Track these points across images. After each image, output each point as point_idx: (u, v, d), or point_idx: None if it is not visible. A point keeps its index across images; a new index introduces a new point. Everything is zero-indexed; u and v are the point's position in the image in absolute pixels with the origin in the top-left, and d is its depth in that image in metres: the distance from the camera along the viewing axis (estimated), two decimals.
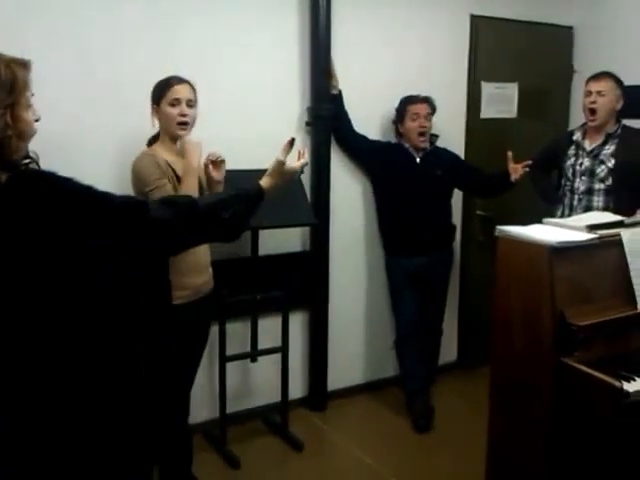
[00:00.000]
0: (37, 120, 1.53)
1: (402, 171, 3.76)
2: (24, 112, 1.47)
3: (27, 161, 1.49)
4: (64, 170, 1.51)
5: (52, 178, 1.46)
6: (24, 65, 1.48)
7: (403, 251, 3.83)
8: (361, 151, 3.85)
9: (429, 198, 3.76)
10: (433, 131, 3.82)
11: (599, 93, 3.39)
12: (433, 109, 3.76)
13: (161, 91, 2.68)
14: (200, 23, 3.29)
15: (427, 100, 3.74)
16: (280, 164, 1.91)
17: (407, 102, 3.74)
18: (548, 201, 3.74)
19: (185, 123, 2.70)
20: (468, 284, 4.41)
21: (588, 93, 3.44)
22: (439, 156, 3.83)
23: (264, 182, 1.88)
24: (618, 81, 3.43)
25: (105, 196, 1.50)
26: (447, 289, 4.04)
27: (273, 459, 3.42)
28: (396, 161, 3.79)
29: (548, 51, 4.49)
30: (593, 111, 3.40)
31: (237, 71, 3.42)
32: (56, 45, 2.92)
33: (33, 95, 1.51)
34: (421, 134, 3.70)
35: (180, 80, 2.71)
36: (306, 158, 2.05)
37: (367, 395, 4.09)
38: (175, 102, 2.67)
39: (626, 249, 2.43)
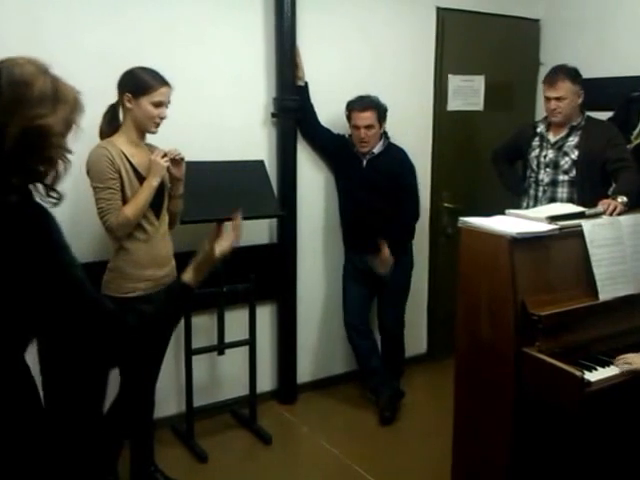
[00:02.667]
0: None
1: (350, 172, 3.74)
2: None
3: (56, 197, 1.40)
4: None
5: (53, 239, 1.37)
6: (80, 95, 1.43)
7: (353, 247, 3.84)
8: (325, 144, 3.84)
9: (376, 200, 3.64)
10: (395, 126, 3.77)
11: (558, 99, 3.37)
12: (380, 113, 3.60)
13: (146, 87, 2.66)
14: (164, 12, 3.25)
15: (371, 107, 3.56)
16: (211, 254, 1.64)
17: (352, 108, 3.61)
18: (513, 192, 3.76)
19: (160, 123, 2.73)
20: (437, 276, 4.43)
21: (547, 99, 3.42)
22: (387, 160, 3.66)
23: (191, 279, 1.60)
24: (574, 77, 3.38)
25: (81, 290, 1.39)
26: (406, 293, 3.91)
27: (241, 453, 3.41)
28: (346, 161, 3.76)
29: (515, 44, 4.51)
30: (555, 113, 3.41)
31: (202, 62, 3.38)
32: (9, 32, 2.86)
33: (78, 127, 1.45)
34: (361, 141, 3.61)
35: (166, 82, 2.70)
36: (239, 234, 1.72)
37: (337, 388, 4.09)
38: (159, 103, 2.68)
39: (587, 240, 2.46)
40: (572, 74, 3.40)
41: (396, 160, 3.69)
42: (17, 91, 1.31)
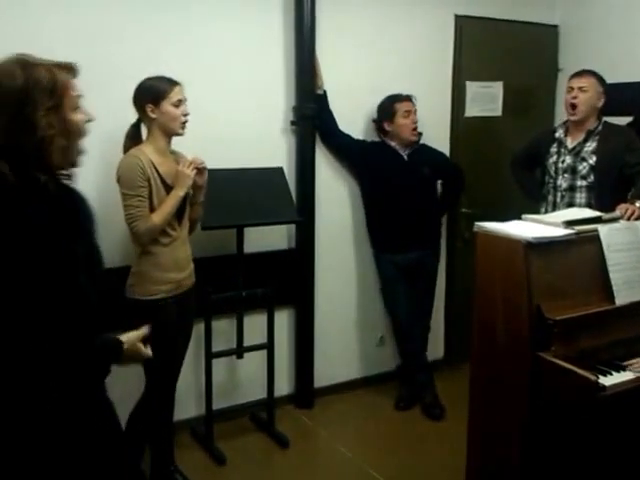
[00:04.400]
0: (89, 121, 1.60)
1: (390, 169, 3.80)
2: (71, 113, 1.54)
3: (66, 173, 1.56)
4: None
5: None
6: (68, 69, 1.56)
7: (393, 247, 3.86)
8: (347, 150, 3.88)
9: (417, 195, 3.80)
10: None
11: (581, 89, 3.40)
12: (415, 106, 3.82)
13: (163, 91, 2.74)
14: (183, 22, 3.31)
15: (411, 98, 3.80)
16: (139, 349, 1.77)
17: (395, 101, 3.77)
18: (532, 198, 3.76)
19: (186, 122, 2.80)
20: (454, 281, 4.43)
21: (570, 89, 3.45)
22: (425, 153, 3.88)
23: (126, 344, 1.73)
24: (600, 79, 3.44)
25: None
26: (435, 285, 4.09)
27: (259, 456, 3.44)
28: (383, 160, 3.82)
29: (533, 50, 4.51)
30: (574, 106, 3.42)
31: (221, 70, 3.44)
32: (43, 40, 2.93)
33: (81, 97, 1.58)
34: (414, 129, 3.78)
35: (175, 82, 2.78)
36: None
37: (354, 392, 4.10)
38: (178, 103, 2.76)
39: (604, 244, 2.45)
40: (599, 76, 3.46)
41: (435, 151, 3.97)
42: None
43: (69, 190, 1.54)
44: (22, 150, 1.47)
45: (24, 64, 1.50)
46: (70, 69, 1.57)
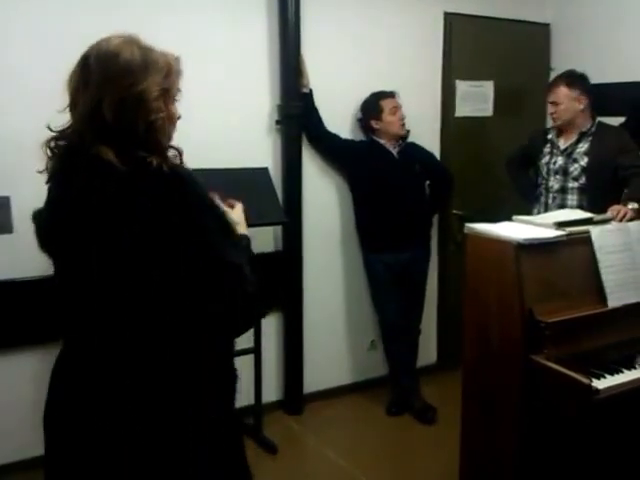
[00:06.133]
0: (178, 117, 1.58)
1: (381, 167, 3.75)
2: (171, 103, 1.54)
3: (174, 153, 1.54)
4: None
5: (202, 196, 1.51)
6: (177, 60, 1.56)
7: (384, 247, 3.80)
8: (335, 150, 3.82)
9: (409, 193, 3.76)
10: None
11: (553, 104, 3.43)
12: None
13: None
14: (167, 19, 3.24)
15: (395, 94, 3.77)
16: None
17: (380, 98, 3.73)
18: (527, 199, 3.72)
19: None
20: (447, 284, 4.38)
21: (548, 103, 3.51)
22: (415, 151, 3.85)
23: None
24: (570, 83, 3.38)
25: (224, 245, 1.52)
26: (426, 287, 4.03)
27: None
28: (374, 158, 3.77)
29: (524, 49, 4.47)
30: (553, 117, 3.47)
31: (205, 68, 3.35)
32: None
33: (180, 91, 1.57)
34: (402, 124, 3.75)
35: None
36: None
37: (344, 398, 4.04)
38: None
39: (595, 246, 2.42)
40: (570, 79, 3.41)
41: (424, 150, 3.92)
42: (104, 64, 1.45)
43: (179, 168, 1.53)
44: (131, 130, 1.45)
45: (140, 44, 1.50)
46: (177, 60, 1.56)
